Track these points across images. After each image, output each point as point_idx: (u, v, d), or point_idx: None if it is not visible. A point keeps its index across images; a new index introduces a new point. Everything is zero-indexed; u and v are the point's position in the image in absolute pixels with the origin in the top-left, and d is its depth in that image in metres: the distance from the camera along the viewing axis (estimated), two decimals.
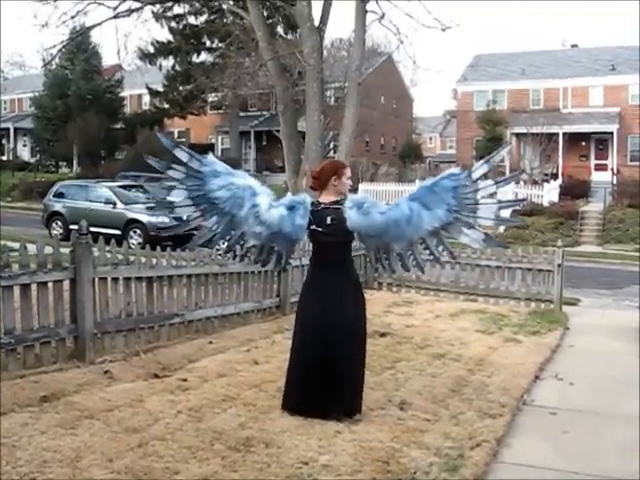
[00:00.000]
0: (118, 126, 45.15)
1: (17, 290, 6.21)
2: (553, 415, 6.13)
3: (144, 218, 20.30)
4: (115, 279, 7.17)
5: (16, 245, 6.64)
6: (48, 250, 6.59)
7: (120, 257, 7.37)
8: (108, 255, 7.23)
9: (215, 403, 5.60)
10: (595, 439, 5.55)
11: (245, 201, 5.39)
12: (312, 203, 5.50)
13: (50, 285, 6.49)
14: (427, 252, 5.64)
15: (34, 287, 6.35)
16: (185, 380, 6.22)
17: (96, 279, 6.88)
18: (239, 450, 4.65)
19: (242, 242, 5.54)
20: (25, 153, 52.56)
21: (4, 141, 54.31)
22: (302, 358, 5.51)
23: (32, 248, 6.49)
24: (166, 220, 20.31)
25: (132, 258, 7.55)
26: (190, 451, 4.56)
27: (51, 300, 6.50)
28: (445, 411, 5.87)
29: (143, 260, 7.68)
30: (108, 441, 4.62)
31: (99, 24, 17.60)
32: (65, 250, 6.78)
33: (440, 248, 5.62)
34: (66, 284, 6.65)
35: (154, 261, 7.83)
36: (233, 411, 5.45)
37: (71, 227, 18.00)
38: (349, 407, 5.49)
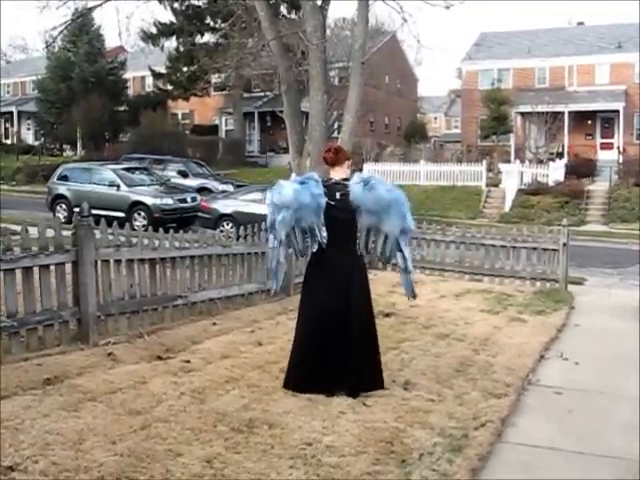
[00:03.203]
0: (122, 108, 44.92)
1: (19, 273, 6.19)
2: (558, 395, 6.11)
3: (148, 200, 20.28)
4: (118, 261, 7.15)
5: (20, 228, 6.60)
6: (50, 233, 6.57)
7: (122, 239, 7.34)
8: (110, 237, 7.20)
9: (218, 384, 5.59)
10: (601, 419, 5.53)
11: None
12: (322, 179, 5.58)
13: (52, 268, 6.47)
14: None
15: (36, 270, 6.33)
16: (188, 362, 6.21)
17: (98, 261, 6.85)
18: (242, 432, 4.63)
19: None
20: (29, 136, 52.41)
21: (8, 125, 54.21)
22: (314, 339, 5.54)
23: (34, 231, 6.47)
24: (170, 202, 20.39)
25: (135, 240, 7.52)
26: (193, 433, 4.54)
27: (53, 283, 6.48)
28: (449, 391, 5.85)
29: (146, 242, 7.64)
30: (111, 423, 4.60)
31: (99, 5, 17.45)
32: (67, 233, 6.77)
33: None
34: (68, 267, 6.63)
35: (157, 243, 7.79)
36: (236, 392, 5.44)
37: (75, 210, 17.99)
38: (370, 384, 5.60)
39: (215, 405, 5.09)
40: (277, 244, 5.59)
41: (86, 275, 6.58)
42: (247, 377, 5.85)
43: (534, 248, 12.37)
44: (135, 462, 4.04)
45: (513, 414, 5.51)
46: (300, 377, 5.57)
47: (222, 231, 12.88)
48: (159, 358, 6.32)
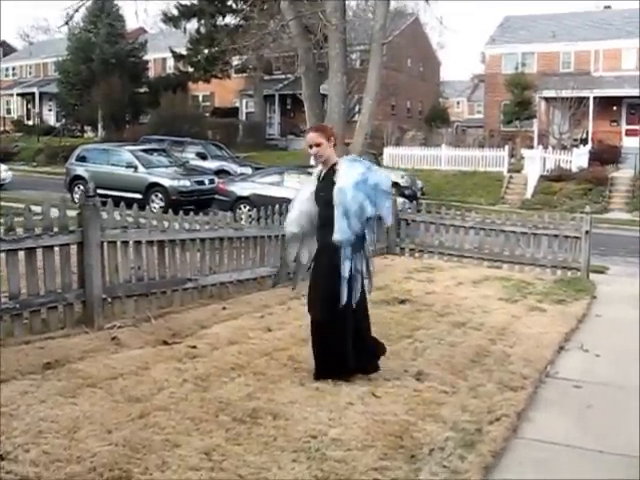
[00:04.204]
0: (142, 90, 44.90)
1: (22, 254, 6.03)
2: (577, 388, 5.87)
3: (165, 182, 20.16)
4: (125, 243, 6.97)
5: (36, 209, 6.44)
6: (56, 213, 6.40)
7: (130, 220, 7.16)
8: (118, 218, 7.02)
9: (223, 372, 5.40)
10: (621, 414, 5.27)
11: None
12: None
13: (56, 249, 6.30)
14: None
15: (40, 251, 6.16)
16: (194, 347, 6.03)
17: (105, 243, 6.69)
18: (245, 422, 4.44)
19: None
20: (51, 118, 52.56)
21: (30, 106, 54.38)
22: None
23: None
24: (187, 184, 20.25)
25: (143, 221, 7.34)
26: (193, 422, 4.36)
27: (58, 264, 6.32)
28: (464, 383, 5.62)
29: (154, 223, 7.46)
30: (108, 411, 4.43)
31: None
32: (73, 213, 6.61)
33: None
34: (73, 248, 6.46)
35: (166, 224, 7.61)
36: (241, 380, 5.24)
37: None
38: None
39: (218, 393, 4.90)
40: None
41: (91, 257, 6.41)
42: (253, 364, 5.65)
43: (555, 235, 12.07)
44: (130, 453, 3.86)
45: (529, 408, 5.28)
46: (316, 364, 5.47)
47: (234, 213, 12.69)
48: (165, 343, 6.15)
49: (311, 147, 5.38)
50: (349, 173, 5.17)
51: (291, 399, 4.90)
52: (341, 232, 5.11)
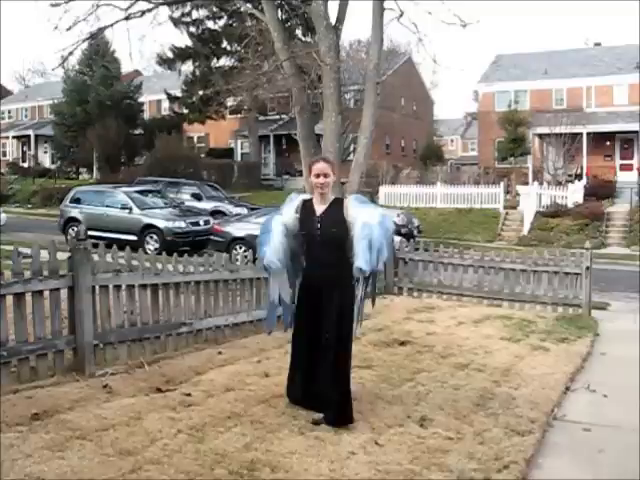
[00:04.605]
0: (137, 132, 45.03)
1: (10, 299, 5.84)
2: (587, 432, 5.65)
3: (160, 223, 20.04)
4: (117, 287, 6.79)
5: (28, 251, 6.26)
6: (46, 256, 6.23)
7: (122, 262, 6.98)
8: (110, 261, 6.85)
9: (219, 421, 5.17)
10: (634, 459, 5.04)
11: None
12: None
13: (46, 294, 6.11)
14: None
15: (29, 296, 5.97)
16: (189, 395, 5.80)
17: (96, 287, 6.51)
18: (242, 475, 4.22)
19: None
20: (46, 160, 52.69)
21: (25, 148, 54.52)
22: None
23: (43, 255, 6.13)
24: (182, 225, 20.13)
25: (136, 264, 7.16)
26: (187, 477, 4.14)
27: (47, 310, 6.13)
28: (469, 428, 5.40)
29: (147, 266, 7.28)
30: (98, 465, 4.21)
31: (110, 26, 17.26)
32: (64, 256, 6.43)
33: None
34: (64, 293, 6.28)
35: (159, 267, 7.43)
36: (238, 430, 5.01)
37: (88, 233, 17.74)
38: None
39: (214, 444, 4.67)
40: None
41: (82, 302, 6.23)
42: (251, 412, 5.42)
43: (555, 272, 11.90)
44: None
45: (538, 454, 5.06)
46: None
47: (229, 254, 12.51)
48: (158, 390, 5.92)
49: (318, 176, 5.33)
50: (369, 212, 5.24)
51: (290, 449, 4.68)
52: (366, 263, 5.07)
